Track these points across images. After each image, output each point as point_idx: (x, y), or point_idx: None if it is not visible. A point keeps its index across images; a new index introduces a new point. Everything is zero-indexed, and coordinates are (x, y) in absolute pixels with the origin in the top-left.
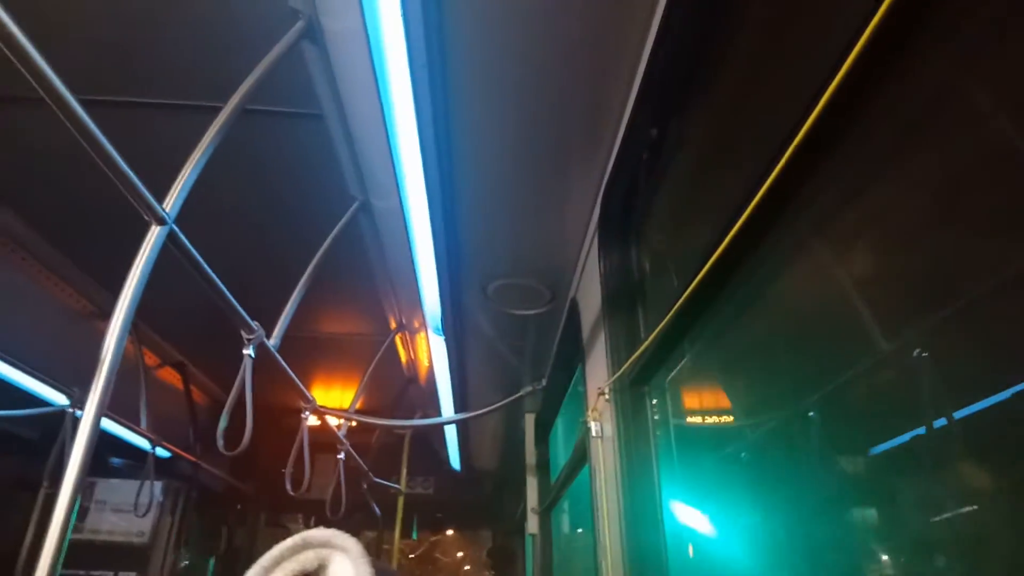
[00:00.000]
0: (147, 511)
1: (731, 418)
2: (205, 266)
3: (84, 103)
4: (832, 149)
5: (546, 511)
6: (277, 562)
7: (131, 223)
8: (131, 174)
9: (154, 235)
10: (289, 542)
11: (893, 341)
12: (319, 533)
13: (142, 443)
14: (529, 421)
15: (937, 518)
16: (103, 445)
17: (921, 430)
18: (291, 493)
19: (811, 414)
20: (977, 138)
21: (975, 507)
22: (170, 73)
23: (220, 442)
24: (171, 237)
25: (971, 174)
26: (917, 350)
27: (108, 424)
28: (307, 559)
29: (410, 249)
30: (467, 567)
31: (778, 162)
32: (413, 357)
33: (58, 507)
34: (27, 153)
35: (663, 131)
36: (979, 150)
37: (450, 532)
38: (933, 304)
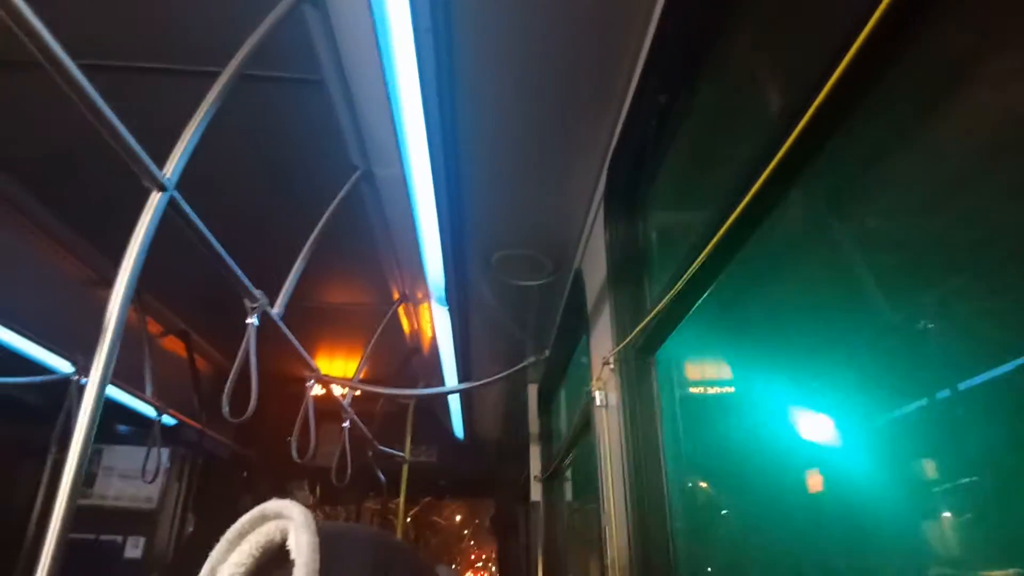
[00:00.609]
0: (154, 477)
1: (734, 388)
2: (207, 233)
3: (83, 68)
4: (846, 115)
5: (549, 479)
6: (241, 535)
7: (132, 190)
8: (131, 139)
9: (155, 201)
10: (248, 516)
11: (899, 311)
12: (274, 504)
13: (148, 410)
14: (532, 391)
15: None
16: (109, 412)
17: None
18: (297, 460)
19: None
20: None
21: None
22: (170, 37)
23: (226, 408)
24: (172, 203)
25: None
26: (923, 322)
27: (113, 392)
28: (269, 530)
29: (413, 219)
30: (465, 531)
31: (790, 132)
32: (416, 327)
33: (65, 474)
34: (27, 119)
35: (672, 98)
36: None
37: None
38: (932, 281)
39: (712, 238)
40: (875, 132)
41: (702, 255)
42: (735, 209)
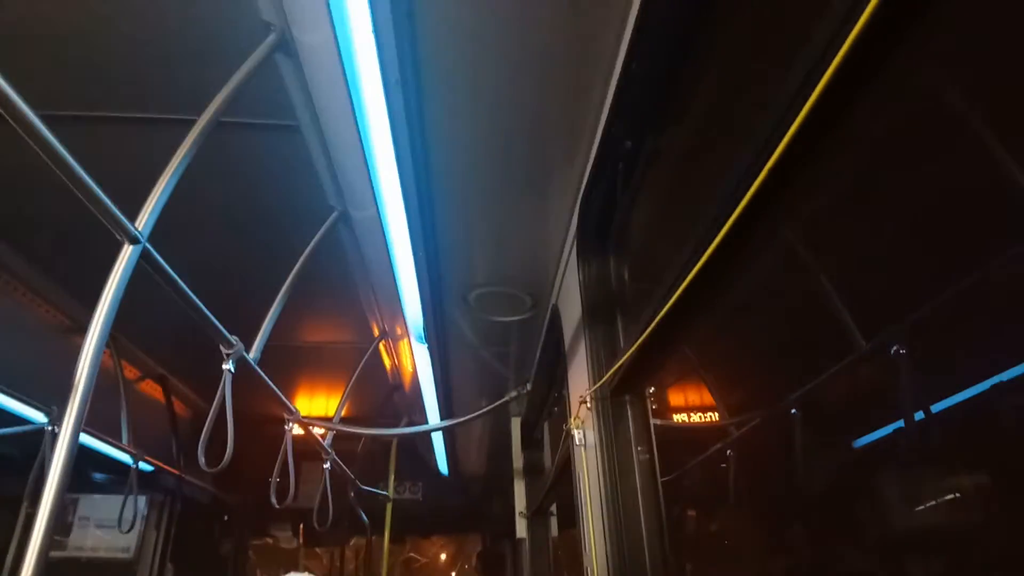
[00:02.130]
0: (132, 526)
1: (713, 425)
2: (181, 284)
3: (52, 120)
4: (810, 159)
5: (535, 515)
6: None
7: (106, 237)
8: (100, 193)
9: (127, 254)
10: None
11: (868, 340)
12: None
13: (124, 458)
14: (515, 425)
15: None
16: (85, 460)
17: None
18: (276, 506)
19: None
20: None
21: None
22: (142, 87)
23: (202, 459)
24: (144, 255)
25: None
26: (895, 347)
27: (89, 439)
28: None
29: (390, 258)
30: (453, 574)
31: (759, 171)
32: (397, 364)
33: (36, 526)
34: None
35: (637, 143)
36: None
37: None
38: (899, 310)
39: (682, 281)
40: (841, 163)
41: (672, 299)
42: (705, 251)
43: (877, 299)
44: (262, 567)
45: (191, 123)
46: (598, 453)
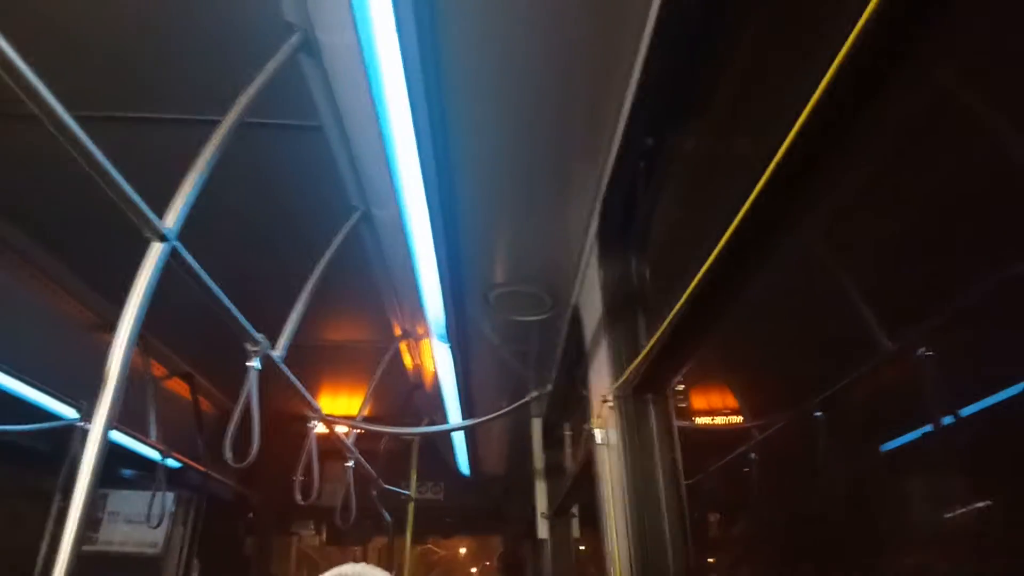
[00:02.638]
0: (159, 522)
1: (735, 423)
2: (209, 281)
3: (82, 119)
4: (832, 151)
5: (556, 516)
6: None
7: (135, 235)
8: (130, 192)
9: (156, 252)
10: None
11: (893, 340)
12: (351, 568)
13: (152, 454)
14: (536, 425)
15: None
16: (114, 456)
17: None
18: (300, 503)
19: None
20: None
21: None
22: (168, 87)
23: (228, 455)
24: (173, 254)
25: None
26: (922, 349)
27: (118, 436)
28: None
29: (411, 258)
30: (473, 569)
31: (774, 167)
32: (418, 363)
33: (69, 521)
34: (30, 167)
35: (659, 140)
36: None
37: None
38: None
39: (706, 276)
40: (864, 157)
41: (693, 296)
42: (728, 246)
43: (907, 296)
44: (285, 566)
45: (215, 123)
46: (620, 453)
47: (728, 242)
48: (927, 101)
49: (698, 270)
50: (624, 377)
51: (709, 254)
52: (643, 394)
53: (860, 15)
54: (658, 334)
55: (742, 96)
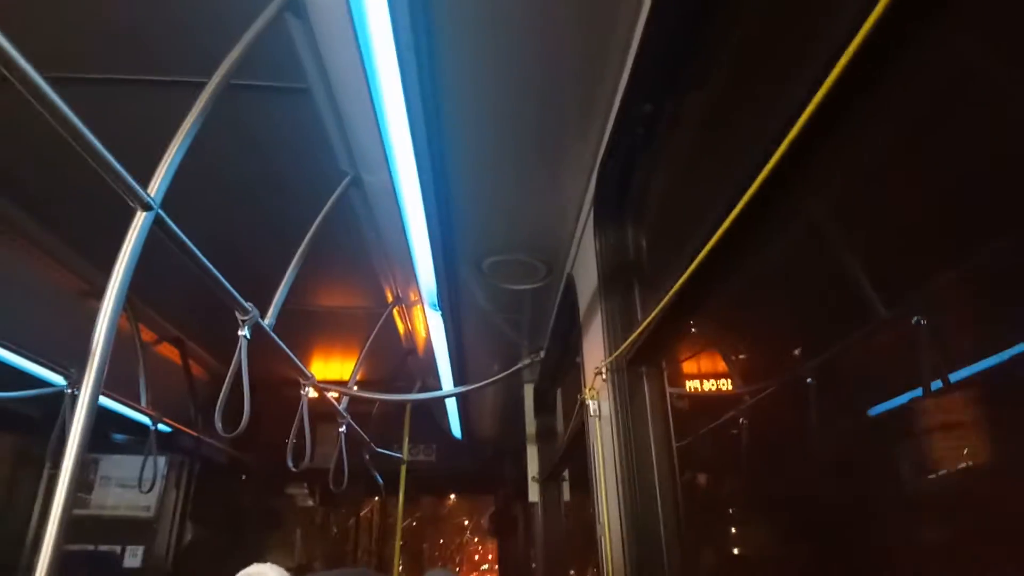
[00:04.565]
0: (152, 486)
1: (727, 395)
2: (195, 250)
3: (61, 81)
4: (839, 121)
5: (547, 480)
6: None
7: (120, 201)
8: (111, 160)
9: (140, 221)
10: None
11: (889, 309)
12: (255, 568)
13: (144, 419)
14: (528, 391)
15: None
16: (105, 421)
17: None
18: (292, 469)
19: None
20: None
21: None
22: (151, 48)
23: (219, 424)
24: (158, 222)
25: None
26: (916, 317)
27: (108, 402)
28: None
29: (403, 224)
30: (466, 522)
31: (781, 140)
32: (411, 328)
33: (59, 487)
34: (11, 133)
35: (658, 107)
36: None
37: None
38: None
39: (702, 250)
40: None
41: (691, 269)
42: (725, 221)
43: (903, 269)
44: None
45: (200, 85)
46: (613, 424)
47: (733, 220)
48: (947, 63)
49: (697, 243)
50: (619, 350)
51: (709, 227)
52: (638, 367)
53: None
54: (657, 310)
55: (745, 63)
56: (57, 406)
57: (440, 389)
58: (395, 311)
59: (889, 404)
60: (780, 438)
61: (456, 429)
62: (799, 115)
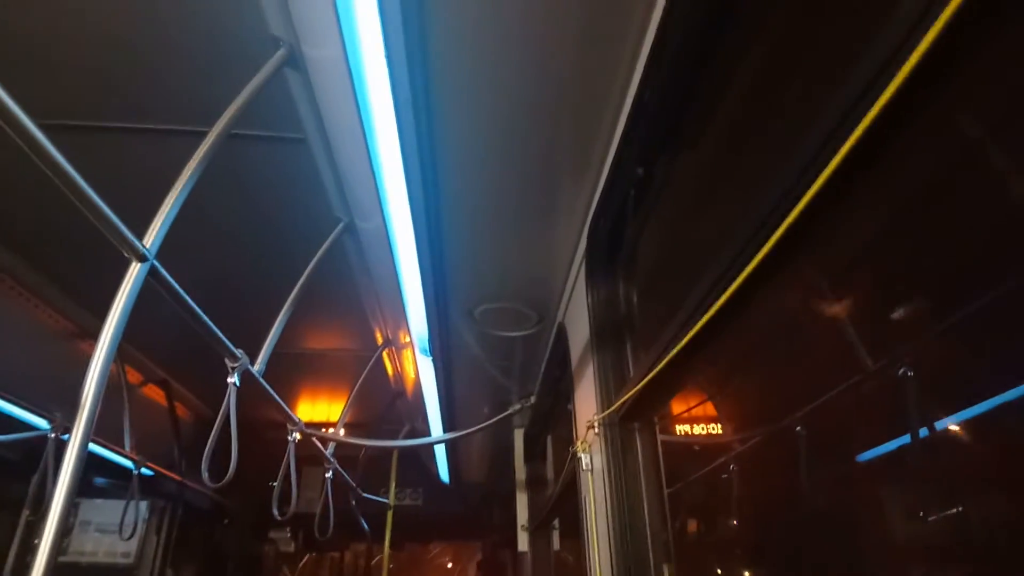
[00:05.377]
0: (133, 532)
1: (719, 445)
2: (188, 300)
3: (55, 128)
4: (836, 188)
5: (537, 529)
6: None
7: (113, 247)
8: (107, 211)
9: (135, 272)
10: None
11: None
12: None
13: (127, 463)
14: (518, 437)
15: None
16: (87, 465)
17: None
18: (277, 517)
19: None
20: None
21: None
22: (152, 99)
23: (205, 475)
24: (152, 272)
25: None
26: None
27: (92, 445)
28: None
29: (395, 271)
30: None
31: (775, 214)
32: (400, 371)
33: (45, 534)
34: (3, 176)
35: (649, 170)
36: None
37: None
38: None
39: (701, 316)
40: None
41: (689, 334)
42: (726, 289)
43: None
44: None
45: (197, 134)
46: (605, 479)
47: (737, 287)
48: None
49: (694, 306)
50: (612, 407)
51: (707, 291)
52: (630, 423)
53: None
54: (653, 372)
55: (736, 127)
56: (37, 449)
57: (429, 432)
58: (384, 353)
59: (875, 452)
60: (774, 485)
61: (444, 473)
62: (793, 191)
